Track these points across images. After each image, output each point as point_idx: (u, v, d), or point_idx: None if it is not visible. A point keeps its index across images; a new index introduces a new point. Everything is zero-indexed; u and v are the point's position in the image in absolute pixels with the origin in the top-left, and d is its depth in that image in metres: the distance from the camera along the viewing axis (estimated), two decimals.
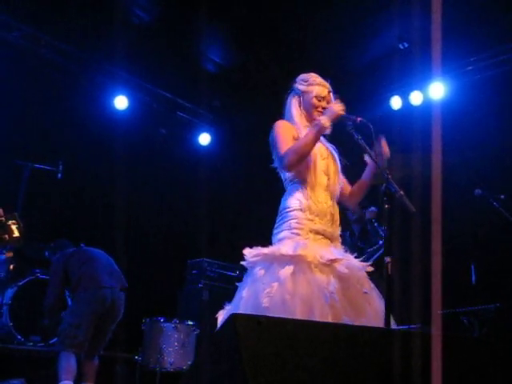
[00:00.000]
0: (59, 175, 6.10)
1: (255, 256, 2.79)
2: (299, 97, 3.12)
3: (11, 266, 5.78)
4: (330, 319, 2.46)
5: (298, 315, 2.46)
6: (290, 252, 2.67)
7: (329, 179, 2.97)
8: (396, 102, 7.00)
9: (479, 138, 6.06)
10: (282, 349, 1.67)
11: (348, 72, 6.87)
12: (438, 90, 6.50)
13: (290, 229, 2.83)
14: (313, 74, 3.15)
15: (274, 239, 2.89)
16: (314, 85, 3.09)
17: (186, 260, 6.94)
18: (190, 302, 6.53)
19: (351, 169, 3.15)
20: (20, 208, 5.65)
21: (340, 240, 2.97)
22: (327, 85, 3.11)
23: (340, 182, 3.04)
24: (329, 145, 3.14)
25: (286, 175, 3.00)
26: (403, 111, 6.88)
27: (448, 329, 4.47)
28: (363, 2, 5.93)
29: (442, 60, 2.03)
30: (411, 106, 6.83)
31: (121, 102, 7.15)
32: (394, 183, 2.59)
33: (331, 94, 3.09)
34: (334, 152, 3.11)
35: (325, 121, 2.84)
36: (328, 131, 2.92)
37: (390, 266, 2.49)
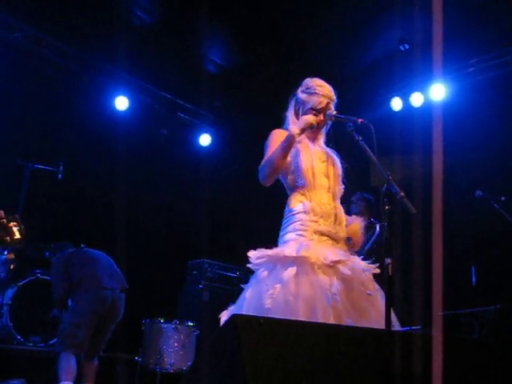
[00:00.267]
0: (60, 176, 6.11)
1: (259, 258, 2.79)
2: (298, 104, 3.10)
3: (11, 266, 5.78)
4: (332, 321, 2.46)
5: (301, 316, 2.46)
6: (294, 253, 2.67)
7: (329, 181, 2.98)
8: (397, 104, 7.00)
9: (480, 139, 6.06)
10: (283, 350, 1.67)
11: (349, 73, 6.88)
12: (438, 91, 6.51)
13: (295, 231, 2.84)
14: (318, 82, 3.07)
15: (280, 241, 2.90)
16: (314, 95, 3.01)
17: (187, 261, 6.94)
18: (191, 302, 6.53)
19: (352, 172, 3.15)
20: (20, 208, 5.65)
21: (345, 241, 2.97)
22: (330, 94, 3.04)
23: (341, 184, 3.05)
24: (328, 149, 3.14)
25: (287, 181, 3.01)
26: (404, 112, 6.89)
27: (448, 330, 4.47)
28: (364, 3, 5.93)
29: (442, 61, 2.03)
30: (412, 107, 6.84)
31: (121, 103, 7.16)
32: (394, 184, 2.59)
33: (331, 104, 3.03)
34: (333, 155, 3.11)
35: (294, 131, 2.85)
36: (298, 138, 2.89)
37: (390, 267, 2.49)
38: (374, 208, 5.26)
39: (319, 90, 3.02)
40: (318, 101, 3.00)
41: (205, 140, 8.18)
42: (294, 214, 2.89)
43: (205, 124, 8.19)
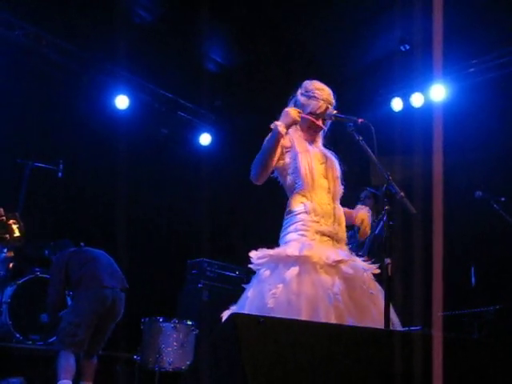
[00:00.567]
0: (60, 174, 6.10)
1: (261, 258, 2.79)
2: (297, 106, 3.06)
3: (11, 265, 5.78)
4: (333, 320, 2.46)
5: (303, 316, 2.47)
6: (296, 253, 2.67)
7: (329, 182, 2.99)
8: (397, 104, 7.00)
9: (480, 140, 6.06)
10: (282, 348, 1.67)
11: (349, 73, 6.89)
12: (439, 91, 6.51)
13: (297, 231, 2.84)
14: (317, 85, 3.06)
15: (281, 242, 2.90)
16: (313, 99, 3.00)
17: (186, 260, 6.94)
18: (190, 302, 6.53)
19: (350, 174, 3.15)
20: (20, 206, 5.65)
21: (346, 241, 2.97)
22: (329, 98, 3.03)
23: (341, 185, 3.05)
24: (327, 151, 3.14)
25: (286, 182, 3.01)
26: (404, 113, 6.89)
27: (449, 330, 4.47)
28: (364, 3, 5.93)
29: (443, 62, 2.03)
30: (412, 107, 6.84)
31: (122, 102, 7.15)
32: (394, 184, 2.59)
33: (330, 108, 3.02)
34: (332, 157, 3.11)
35: (280, 127, 2.82)
36: (284, 133, 2.86)
37: (390, 267, 2.49)
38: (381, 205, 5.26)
39: (319, 94, 3.01)
40: (317, 105, 3.00)
41: (205, 139, 8.17)
42: (295, 215, 2.89)
43: (205, 123, 8.18)
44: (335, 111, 3.04)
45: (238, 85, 7.54)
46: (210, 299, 6.45)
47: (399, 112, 6.98)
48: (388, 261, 2.51)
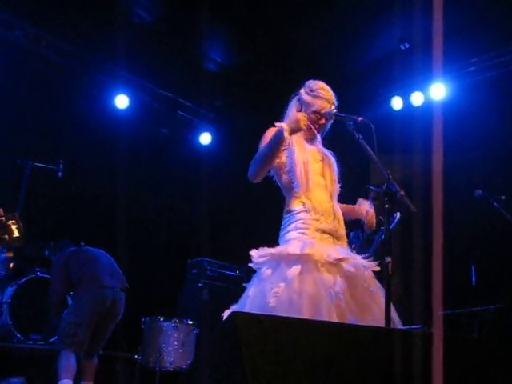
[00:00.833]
0: (60, 174, 6.10)
1: (262, 256, 2.79)
2: (301, 105, 3.09)
3: (11, 265, 5.78)
4: (335, 319, 2.46)
5: (305, 315, 2.47)
6: (297, 251, 2.67)
7: (326, 180, 2.99)
8: (397, 103, 7.00)
9: (480, 138, 6.06)
10: (282, 347, 1.68)
11: (349, 72, 6.88)
12: (438, 90, 6.51)
13: (297, 229, 2.85)
14: (321, 85, 3.08)
15: (281, 241, 2.90)
16: (317, 98, 3.02)
17: (186, 259, 6.94)
18: (190, 301, 6.53)
19: (350, 173, 3.15)
20: (20, 206, 5.64)
21: (346, 239, 2.98)
22: (332, 98, 3.05)
23: (338, 183, 3.06)
24: (324, 149, 3.15)
25: (281, 180, 3.01)
26: (404, 112, 6.89)
27: (449, 329, 4.47)
28: (364, 2, 5.93)
29: (443, 61, 2.03)
30: (412, 106, 6.84)
31: (122, 101, 7.15)
32: (394, 183, 2.60)
33: (334, 107, 3.04)
34: (329, 155, 3.12)
35: (285, 131, 2.80)
36: (286, 138, 2.86)
37: (390, 266, 2.50)
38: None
39: (323, 94, 3.03)
40: (321, 105, 3.02)
41: (205, 139, 8.17)
42: (295, 214, 2.89)
43: (205, 123, 8.18)
44: (335, 110, 3.05)
45: (237, 84, 7.54)
46: (210, 298, 6.46)
47: (399, 111, 6.98)
48: (388, 259, 2.52)
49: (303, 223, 2.85)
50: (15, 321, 5.66)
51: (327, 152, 3.14)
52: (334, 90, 3.12)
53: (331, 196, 2.98)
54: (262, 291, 2.67)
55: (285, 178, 2.99)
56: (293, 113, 3.08)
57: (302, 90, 3.12)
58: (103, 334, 4.92)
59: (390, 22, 6.04)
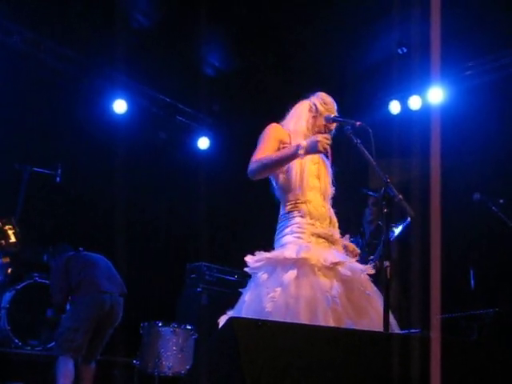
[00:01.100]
0: (58, 179, 6.09)
1: (258, 261, 2.78)
2: (315, 113, 3.11)
3: (9, 270, 5.76)
4: (331, 323, 2.46)
5: (302, 319, 2.46)
6: (294, 255, 2.67)
7: (321, 183, 3.00)
8: (395, 107, 7.01)
9: (478, 142, 6.06)
10: (281, 352, 1.67)
11: (347, 76, 6.89)
12: (436, 94, 6.52)
13: (293, 233, 2.85)
14: (332, 101, 3.15)
15: (277, 245, 2.90)
16: (329, 113, 3.10)
17: (185, 264, 6.93)
18: (189, 306, 6.52)
19: (341, 176, 3.15)
20: (19, 211, 5.63)
21: (341, 243, 2.97)
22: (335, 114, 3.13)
23: (332, 186, 3.07)
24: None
25: (278, 180, 3.01)
26: (402, 116, 6.90)
27: (447, 333, 4.46)
28: (363, 7, 5.94)
29: (440, 65, 2.03)
30: (410, 110, 6.85)
31: (120, 106, 7.15)
32: (393, 187, 2.60)
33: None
34: (325, 158, 3.13)
35: (303, 151, 2.80)
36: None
37: (388, 269, 2.50)
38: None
39: (333, 109, 3.12)
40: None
41: (203, 143, 8.17)
42: (290, 218, 2.89)
43: (203, 127, 8.18)
44: (333, 114, 3.07)
45: (236, 89, 7.54)
46: (209, 303, 6.44)
47: (397, 115, 6.99)
48: (387, 263, 2.52)
49: (299, 227, 2.85)
50: (13, 326, 5.65)
51: (322, 155, 3.15)
52: (332, 94, 3.17)
53: (325, 199, 3.00)
54: (258, 296, 2.67)
55: (282, 177, 2.99)
56: (307, 120, 3.09)
57: (316, 100, 3.14)
58: (101, 339, 4.91)
59: (388, 26, 6.06)
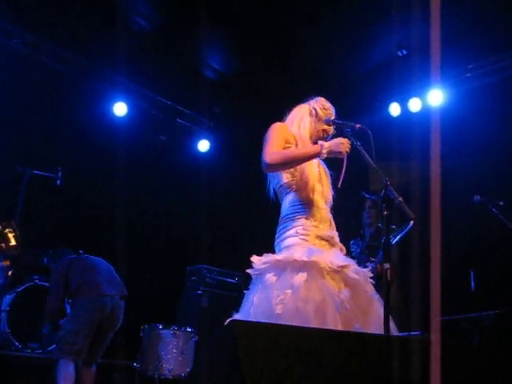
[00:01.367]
0: (58, 182, 6.09)
1: (265, 263, 2.76)
2: (315, 118, 3.12)
3: (9, 273, 5.76)
4: (340, 327, 2.45)
5: (311, 323, 2.45)
6: (304, 258, 2.65)
7: (323, 186, 3.00)
8: (395, 109, 7.01)
9: (478, 144, 6.06)
10: (281, 355, 1.67)
11: (347, 79, 6.90)
12: (436, 96, 6.52)
13: (297, 235, 2.83)
14: (331, 106, 3.18)
15: (279, 246, 2.89)
16: (329, 116, 3.13)
17: (185, 266, 6.93)
18: (189, 308, 6.52)
19: (336, 179, 3.16)
20: (19, 214, 5.64)
21: (340, 245, 2.97)
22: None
23: (332, 190, 3.07)
24: None
25: (282, 182, 3.00)
26: (402, 118, 6.89)
27: (448, 336, 4.46)
28: (363, 9, 5.95)
29: (440, 67, 2.03)
30: (410, 112, 6.84)
31: (120, 109, 7.15)
32: (393, 189, 2.60)
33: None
34: (322, 162, 3.14)
35: (326, 151, 2.84)
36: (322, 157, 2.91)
37: (389, 272, 2.49)
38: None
39: (330, 113, 3.14)
40: (330, 127, 3.12)
41: (203, 146, 8.17)
42: (294, 219, 2.88)
43: (203, 130, 8.19)
44: (333, 117, 3.08)
45: (236, 91, 7.55)
46: (209, 306, 6.44)
47: (397, 117, 6.99)
48: (387, 266, 2.51)
49: (304, 229, 2.83)
50: (13, 329, 5.65)
51: (322, 161, 3.16)
52: (332, 96, 3.20)
53: (326, 202, 3.00)
54: (266, 298, 2.64)
55: (285, 176, 2.98)
56: (310, 124, 3.11)
57: (316, 105, 3.16)
58: (102, 342, 4.90)
59: (388, 28, 6.06)
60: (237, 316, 2.76)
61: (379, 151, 2.83)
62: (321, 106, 3.15)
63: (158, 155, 7.81)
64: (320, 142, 2.91)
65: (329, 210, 3.00)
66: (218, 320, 2.81)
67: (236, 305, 2.85)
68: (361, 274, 2.75)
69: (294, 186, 2.95)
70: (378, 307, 2.66)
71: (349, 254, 3.09)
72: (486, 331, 4.63)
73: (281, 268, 2.72)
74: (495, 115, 6.03)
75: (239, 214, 8.01)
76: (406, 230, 4.69)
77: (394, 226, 4.60)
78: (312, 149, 2.90)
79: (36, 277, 5.97)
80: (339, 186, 3.01)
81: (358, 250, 5.18)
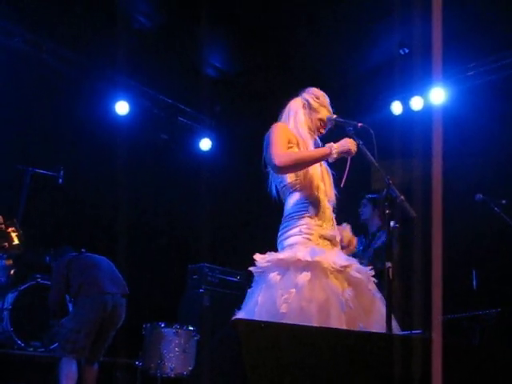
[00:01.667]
0: (60, 180, 6.09)
1: (269, 261, 2.76)
2: (309, 110, 3.11)
3: (12, 271, 5.77)
4: (344, 326, 2.45)
5: (315, 322, 2.45)
6: (308, 257, 2.65)
7: (325, 186, 3.00)
8: (397, 107, 7.01)
9: (480, 142, 6.06)
10: (284, 354, 1.67)
11: (349, 77, 6.90)
12: (438, 95, 6.51)
13: (301, 234, 2.82)
14: (321, 93, 3.16)
15: (282, 244, 2.88)
16: (323, 106, 3.11)
17: (187, 265, 6.93)
18: (191, 307, 6.52)
19: (338, 180, 3.16)
20: (21, 213, 5.64)
21: (339, 245, 2.97)
22: (330, 108, 3.14)
23: (334, 189, 3.07)
24: None
25: (285, 181, 3.00)
26: (404, 116, 6.89)
27: (449, 334, 4.46)
28: (364, 8, 5.94)
29: (442, 65, 2.03)
30: (412, 111, 6.84)
31: (122, 108, 7.15)
32: (395, 188, 2.60)
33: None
34: (324, 162, 3.13)
35: (336, 151, 2.84)
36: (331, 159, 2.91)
37: (391, 270, 2.50)
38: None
39: (325, 102, 3.13)
40: (326, 113, 3.11)
41: (205, 144, 8.17)
42: (299, 217, 2.87)
43: (205, 128, 8.19)
44: (335, 115, 3.07)
45: (237, 90, 7.55)
46: (211, 304, 6.44)
47: (399, 115, 6.98)
48: (389, 264, 2.52)
49: (308, 228, 2.83)
50: (16, 327, 5.65)
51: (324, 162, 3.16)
52: (333, 95, 3.18)
53: (329, 201, 3.00)
54: (271, 297, 2.64)
55: (289, 176, 2.98)
56: (305, 117, 3.10)
57: (308, 96, 3.14)
58: (104, 340, 4.91)
59: (390, 27, 6.06)
60: (241, 315, 2.75)
61: (381, 150, 2.82)
62: (312, 95, 3.14)
63: (159, 154, 7.82)
64: (328, 143, 2.90)
65: (332, 209, 3.00)
66: (220, 318, 2.82)
67: (238, 303, 2.84)
68: (363, 273, 2.75)
69: (297, 186, 2.95)
70: (380, 306, 2.66)
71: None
72: (488, 330, 4.63)
73: (284, 267, 2.71)
74: (497, 113, 6.03)
75: (241, 212, 8.01)
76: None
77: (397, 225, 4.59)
78: (322, 150, 2.89)
79: (38, 275, 5.97)
80: (342, 185, 3.00)
81: (362, 248, 5.18)
